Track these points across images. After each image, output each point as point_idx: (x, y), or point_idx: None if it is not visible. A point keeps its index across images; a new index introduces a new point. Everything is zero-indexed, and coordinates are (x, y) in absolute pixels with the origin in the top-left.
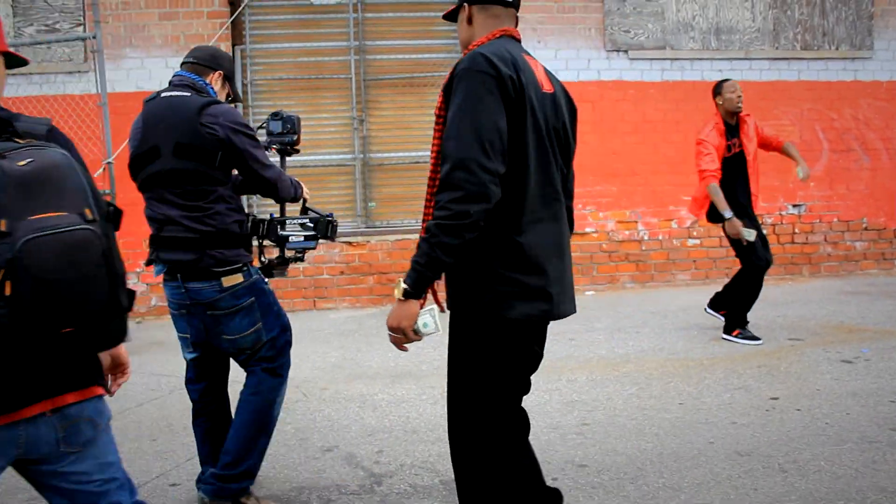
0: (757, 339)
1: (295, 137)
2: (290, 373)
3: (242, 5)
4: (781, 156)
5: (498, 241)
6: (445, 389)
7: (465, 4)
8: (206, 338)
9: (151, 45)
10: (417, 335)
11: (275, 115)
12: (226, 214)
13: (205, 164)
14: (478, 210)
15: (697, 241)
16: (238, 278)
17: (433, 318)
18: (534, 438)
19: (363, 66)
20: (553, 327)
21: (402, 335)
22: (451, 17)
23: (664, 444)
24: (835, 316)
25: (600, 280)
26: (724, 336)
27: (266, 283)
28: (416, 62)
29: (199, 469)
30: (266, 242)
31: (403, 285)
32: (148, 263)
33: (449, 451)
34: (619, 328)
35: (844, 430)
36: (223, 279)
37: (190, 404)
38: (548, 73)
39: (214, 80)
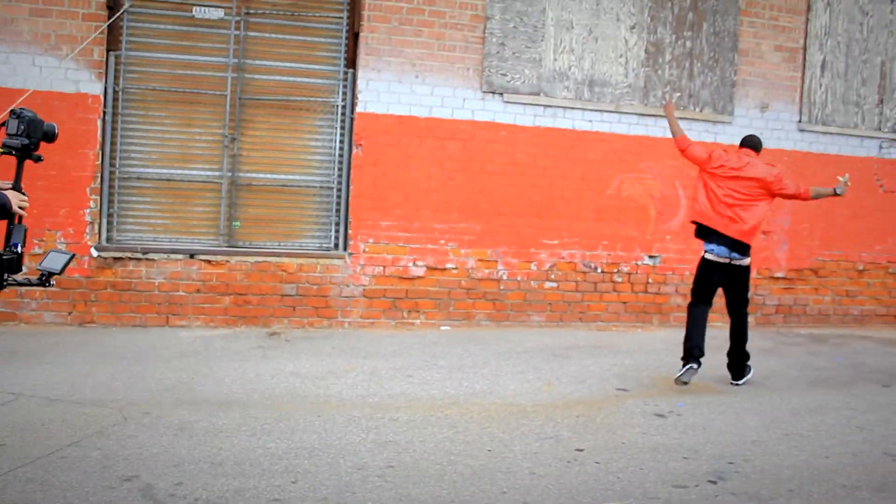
0: None
1: (28, 141)
2: (117, 394)
3: (121, 10)
4: (642, 210)
5: None
6: (269, 420)
7: None
8: None
9: (19, 41)
10: None
11: (12, 114)
12: None
13: None
14: None
15: (555, 285)
16: None
17: None
18: (336, 478)
19: (240, 84)
20: (395, 362)
21: None
22: None
23: (459, 492)
24: (667, 368)
25: (457, 316)
26: (739, 383)
27: None
28: (295, 85)
29: None
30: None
31: None
32: None
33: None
34: (460, 367)
35: (632, 485)
36: None
37: None
38: None
39: None
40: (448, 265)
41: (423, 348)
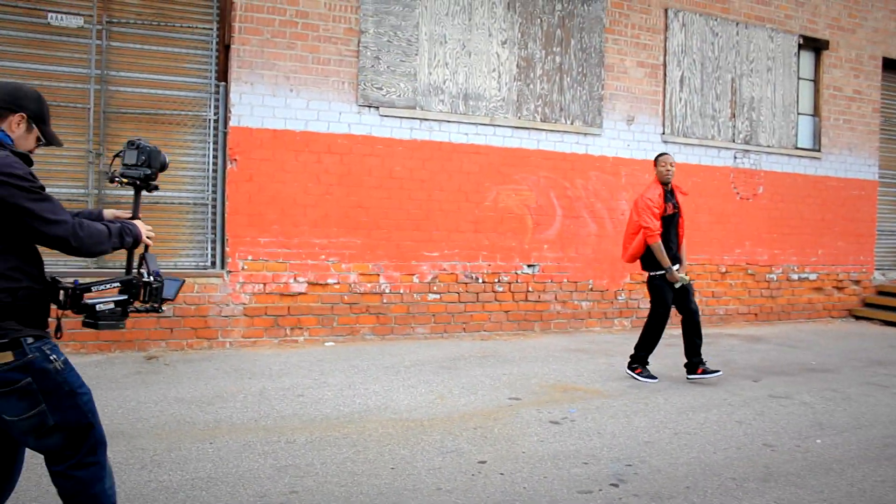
0: (654, 377)
1: (150, 171)
2: None
3: None
4: (519, 220)
5: None
6: (158, 451)
7: None
8: None
9: None
10: None
11: (130, 144)
12: None
13: None
14: None
15: (437, 296)
16: (6, 357)
17: None
18: None
19: (104, 96)
20: (283, 382)
21: None
22: None
23: None
24: (554, 374)
25: (340, 331)
26: (629, 372)
27: (51, 363)
28: (164, 98)
29: None
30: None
31: None
32: None
33: None
34: (350, 384)
35: (538, 493)
36: None
37: None
38: None
39: (13, 125)
40: (330, 280)
41: (311, 366)
